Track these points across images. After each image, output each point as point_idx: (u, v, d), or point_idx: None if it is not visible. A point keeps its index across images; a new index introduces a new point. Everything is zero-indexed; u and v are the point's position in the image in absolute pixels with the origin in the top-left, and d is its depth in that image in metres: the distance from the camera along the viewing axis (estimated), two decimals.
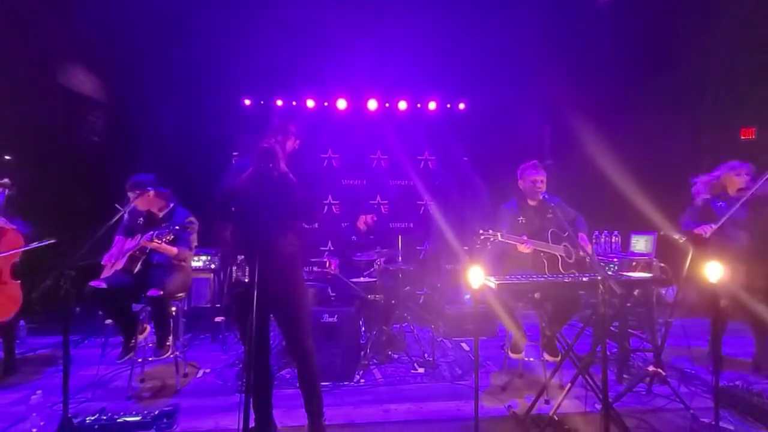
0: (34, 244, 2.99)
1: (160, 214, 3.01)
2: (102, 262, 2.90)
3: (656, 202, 3.81)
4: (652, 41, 4.75)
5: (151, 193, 2.91)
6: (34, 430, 2.23)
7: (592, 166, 4.66)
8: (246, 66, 4.93)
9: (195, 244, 3.08)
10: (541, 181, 2.86)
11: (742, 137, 5.06)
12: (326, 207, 5.72)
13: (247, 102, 5.50)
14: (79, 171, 4.43)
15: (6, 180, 3.04)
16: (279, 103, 5.49)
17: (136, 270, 2.82)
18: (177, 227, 2.75)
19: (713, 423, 2.16)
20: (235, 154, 5.66)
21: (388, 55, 4.93)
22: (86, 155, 4.61)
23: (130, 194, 2.84)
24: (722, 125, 4.96)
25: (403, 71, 5.16)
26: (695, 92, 4.85)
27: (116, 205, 2.75)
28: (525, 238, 2.61)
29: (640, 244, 3.27)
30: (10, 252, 2.99)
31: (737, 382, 2.59)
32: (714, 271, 2.25)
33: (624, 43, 4.64)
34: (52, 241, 2.99)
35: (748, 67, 4.59)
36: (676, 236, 2.93)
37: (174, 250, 2.84)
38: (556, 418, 2.26)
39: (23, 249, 3.02)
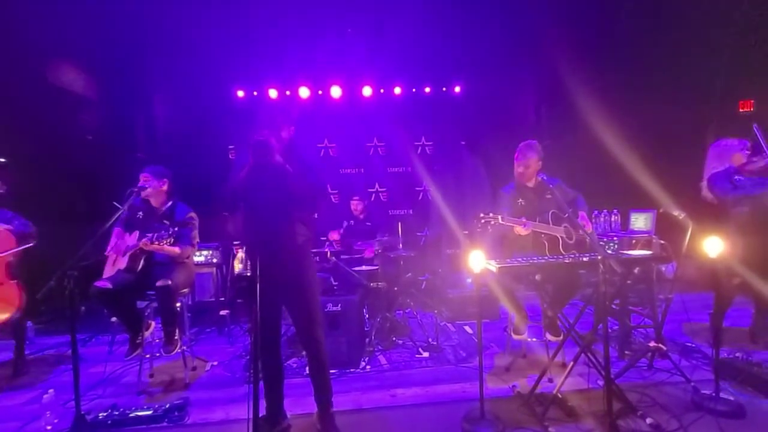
0: (14, 249, 2.96)
1: (161, 209, 2.97)
2: (105, 253, 2.90)
3: (655, 179, 3.81)
4: (649, 15, 4.66)
5: (166, 186, 2.96)
6: (49, 427, 2.28)
7: (591, 145, 4.63)
8: (237, 57, 4.85)
9: (197, 240, 3.06)
10: (524, 166, 2.79)
11: (741, 109, 5.02)
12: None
13: (240, 94, 5.44)
14: (72, 170, 4.38)
15: None
16: (272, 93, 5.42)
17: (139, 268, 2.81)
18: (176, 228, 2.71)
19: (714, 394, 2.20)
20: (230, 147, 5.64)
21: (381, 40, 4.85)
22: (79, 154, 4.56)
23: (147, 177, 2.86)
24: (721, 98, 4.92)
25: (397, 55, 5.08)
26: (694, 66, 4.78)
27: (114, 203, 2.75)
28: (524, 219, 2.60)
29: (640, 221, 3.28)
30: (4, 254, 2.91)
31: (737, 354, 2.64)
32: (713, 246, 2.27)
33: (621, 17, 4.55)
34: (30, 245, 3.02)
35: (748, 40, 4.52)
36: (676, 212, 2.94)
37: (176, 250, 2.81)
38: (560, 396, 2.30)
39: (8, 252, 2.93)
